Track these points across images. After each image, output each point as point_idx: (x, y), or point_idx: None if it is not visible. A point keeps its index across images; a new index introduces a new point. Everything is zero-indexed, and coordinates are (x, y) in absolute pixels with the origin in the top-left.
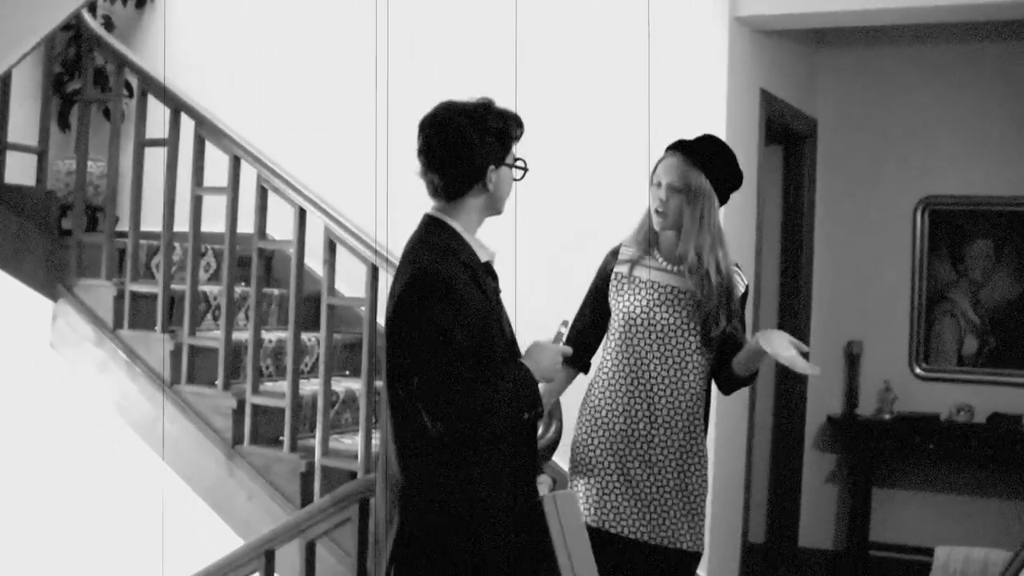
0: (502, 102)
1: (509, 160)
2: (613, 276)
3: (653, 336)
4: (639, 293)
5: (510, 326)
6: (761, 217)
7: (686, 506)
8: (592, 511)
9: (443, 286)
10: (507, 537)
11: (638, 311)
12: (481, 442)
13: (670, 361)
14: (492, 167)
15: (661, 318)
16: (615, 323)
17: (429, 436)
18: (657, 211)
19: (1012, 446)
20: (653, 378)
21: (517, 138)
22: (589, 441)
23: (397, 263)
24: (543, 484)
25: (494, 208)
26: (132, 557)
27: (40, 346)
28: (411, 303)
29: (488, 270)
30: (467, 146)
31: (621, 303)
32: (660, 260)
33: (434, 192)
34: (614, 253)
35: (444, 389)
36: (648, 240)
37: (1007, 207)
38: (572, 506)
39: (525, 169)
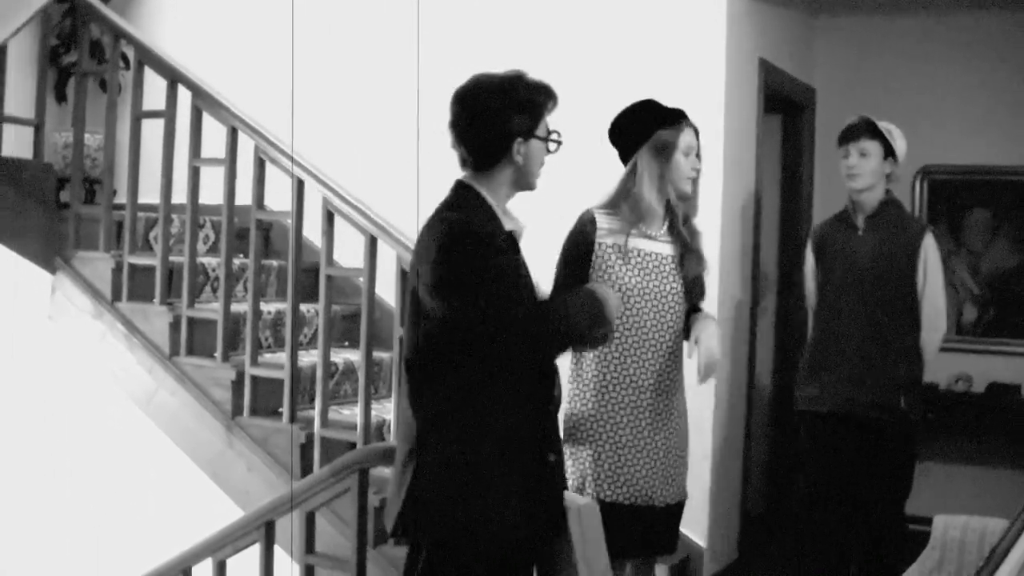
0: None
1: (541, 133)
2: (599, 247)
3: (651, 306)
4: (641, 266)
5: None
6: (760, 186)
7: (682, 463)
8: (588, 481)
9: (478, 236)
10: (518, 506)
11: (641, 284)
12: (498, 409)
13: (671, 331)
14: (520, 140)
15: (662, 289)
16: None
17: (449, 397)
18: (693, 180)
19: (1011, 415)
20: (657, 349)
21: (549, 110)
22: (593, 413)
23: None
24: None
25: (525, 182)
26: (132, 528)
27: (39, 319)
28: (448, 252)
29: (511, 241)
30: (493, 118)
31: (618, 276)
32: (655, 230)
33: (463, 164)
34: (591, 222)
35: (505, 322)
36: (643, 210)
37: (1006, 177)
38: (594, 518)
39: (559, 143)
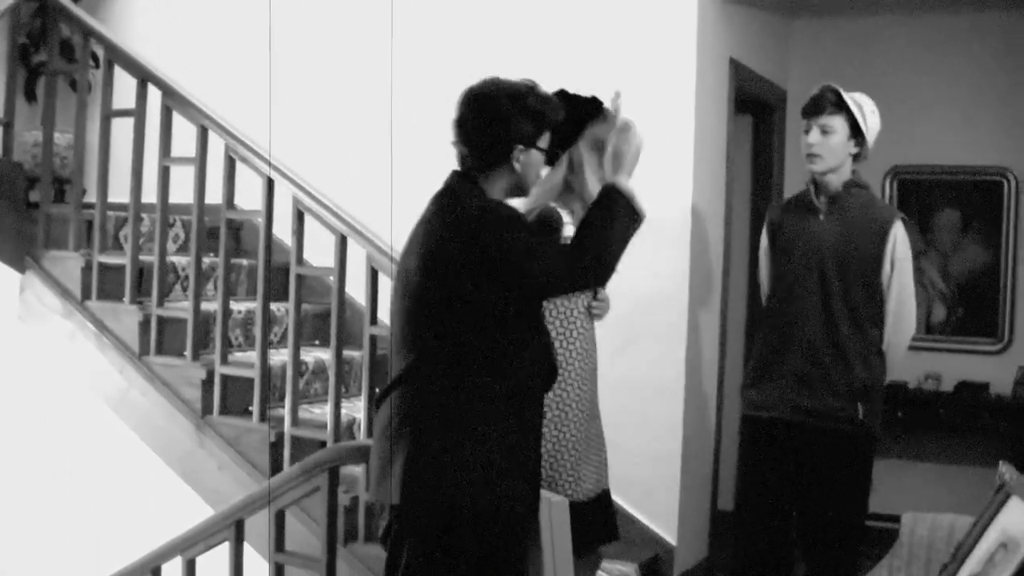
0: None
1: (542, 144)
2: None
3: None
4: None
5: None
6: (730, 187)
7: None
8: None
9: (511, 211)
10: (511, 505)
11: None
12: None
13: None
14: (521, 147)
15: None
16: None
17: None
18: None
19: (979, 414)
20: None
21: (552, 125)
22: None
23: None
24: None
25: (519, 189)
26: (102, 528)
27: (8, 319)
28: (492, 220)
29: None
30: (499, 122)
31: None
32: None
33: (462, 163)
34: (557, 216)
35: (575, 249)
36: (590, 196)
37: (976, 177)
38: (563, 514)
39: (557, 155)
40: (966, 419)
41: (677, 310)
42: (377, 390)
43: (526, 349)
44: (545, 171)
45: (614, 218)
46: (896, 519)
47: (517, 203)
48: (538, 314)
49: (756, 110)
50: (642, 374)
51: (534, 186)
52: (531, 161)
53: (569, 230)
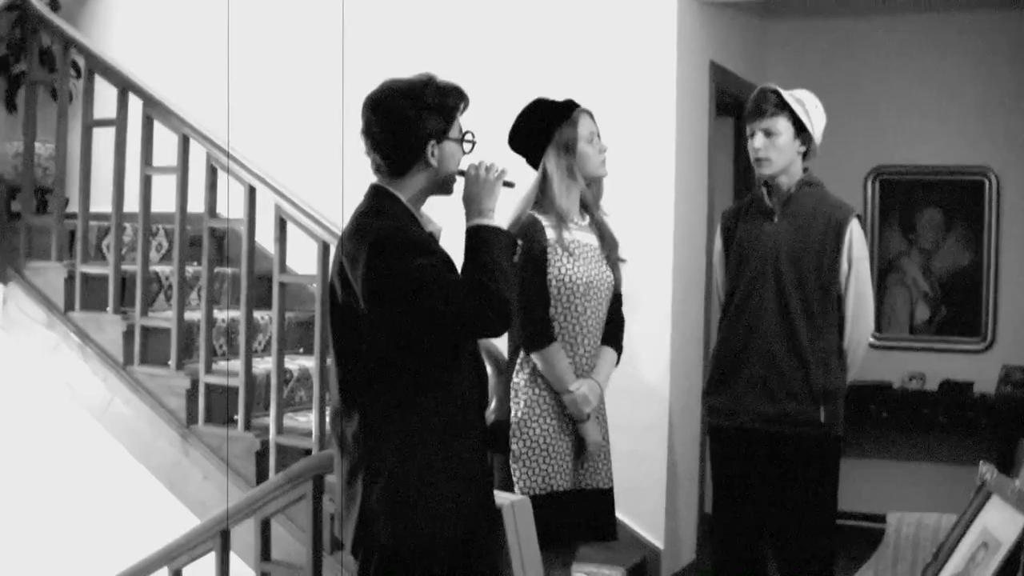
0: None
1: (454, 134)
2: (550, 248)
3: (592, 296)
4: (584, 257)
5: None
6: (712, 189)
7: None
8: (541, 480)
9: (411, 237)
10: (468, 515)
11: (587, 275)
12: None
13: (602, 319)
14: (433, 142)
15: (600, 277)
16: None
17: (388, 407)
18: (603, 162)
19: (963, 412)
20: (592, 337)
21: (461, 111)
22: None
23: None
24: None
25: (441, 184)
26: (88, 539)
27: None
28: (381, 253)
29: (434, 242)
30: (404, 123)
31: (568, 271)
32: (580, 221)
33: (377, 170)
34: (536, 223)
35: (450, 292)
36: (561, 209)
37: (957, 176)
38: (527, 514)
39: (473, 142)
40: (951, 418)
41: (661, 312)
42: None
43: (452, 371)
44: (465, 160)
45: (492, 253)
46: (882, 519)
47: (501, 215)
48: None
49: (737, 112)
50: (627, 376)
51: (454, 181)
52: (446, 154)
53: (551, 235)
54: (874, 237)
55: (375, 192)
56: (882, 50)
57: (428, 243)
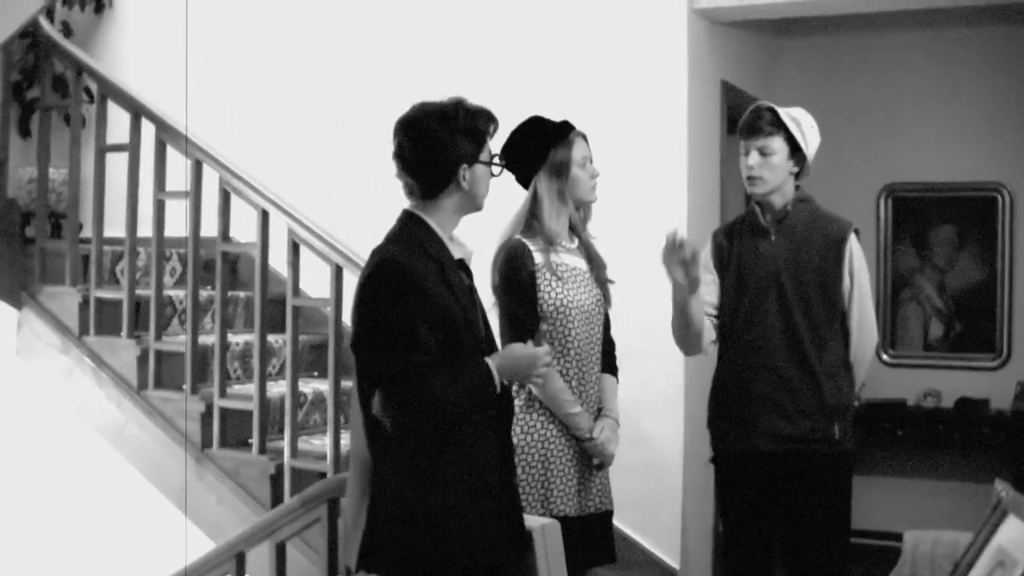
0: (483, 99)
1: (484, 157)
2: (538, 273)
3: (582, 320)
4: (573, 280)
5: (486, 324)
6: (724, 208)
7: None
8: (540, 505)
9: (404, 276)
10: (477, 537)
11: (576, 299)
12: (445, 439)
13: (597, 342)
14: (465, 166)
15: (590, 301)
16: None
17: (397, 431)
18: (594, 187)
19: (979, 430)
20: (589, 362)
21: (491, 134)
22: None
23: (355, 261)
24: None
25: (472, 205)
26: (103, 564)
27: (5, 355)
28: (371, 291)
29: (462, 267)
30: (437, 147)
31: (557, 295)
32: (569, 244)
33: (409, 193)
34: (522, 247)
35: (397, 378)
36: (550, 232)
37: (969, 193)
38: (556, 536)
39: (502, 166)
40: (967, 435)
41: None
42: None
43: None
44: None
45: (476, 394)
46: (898, 537)
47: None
48: (484, 349)
49: None
50: (641, 393)
51: (484, 199)
52: (477, 177)
53: (539, 259)
54: (887, 254)
55: (405, 217)
56: (893, 67)
57: (426, 282)
